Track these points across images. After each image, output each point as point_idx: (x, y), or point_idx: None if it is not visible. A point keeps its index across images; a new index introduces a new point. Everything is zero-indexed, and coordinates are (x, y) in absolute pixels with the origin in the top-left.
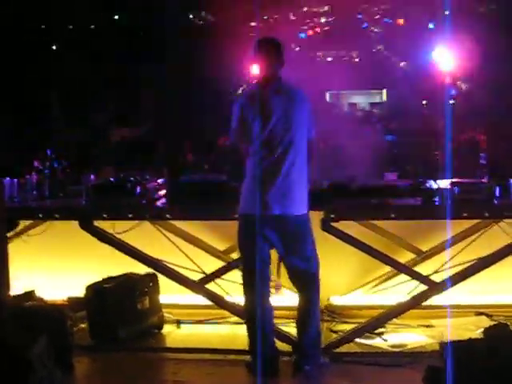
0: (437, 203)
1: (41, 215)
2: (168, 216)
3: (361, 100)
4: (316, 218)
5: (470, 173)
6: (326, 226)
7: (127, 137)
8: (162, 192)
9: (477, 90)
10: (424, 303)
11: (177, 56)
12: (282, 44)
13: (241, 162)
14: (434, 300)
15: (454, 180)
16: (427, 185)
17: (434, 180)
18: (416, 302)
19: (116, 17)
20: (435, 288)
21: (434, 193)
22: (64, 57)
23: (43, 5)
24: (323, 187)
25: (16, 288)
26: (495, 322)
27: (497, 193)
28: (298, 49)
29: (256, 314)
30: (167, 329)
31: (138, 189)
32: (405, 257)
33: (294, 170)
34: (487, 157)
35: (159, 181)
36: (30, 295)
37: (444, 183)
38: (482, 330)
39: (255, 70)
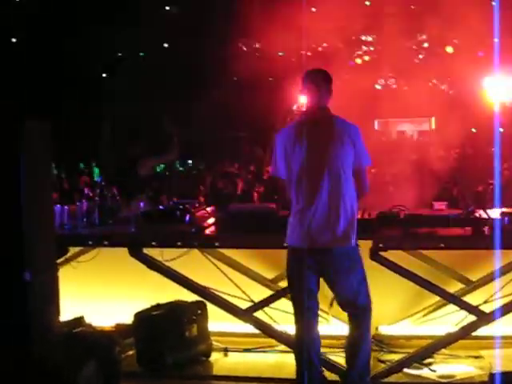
0: (487, 233)
1: (90, 242)
2: (217, 244)
3: (409, 128)
4: (365, 247)
5: None
6: (375, 256)
7: (159, 163)
8: (211, 220)
9: None
10: (473, 333)
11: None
12: (331, 75)
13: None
14: (484, 330)
15: (504, 210)
16: (477, 214)
17: (484, 210)
18: (465, 333)
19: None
20: (484, 318)
21: (483, 223)
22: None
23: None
24: (371, 216)
25: (65, 314)
26: None
27: None
28: (346, 77)
29: (303, 343)
30: (215, 356)
31: (188, 217)
32: (454, 287)
33: (336, 201)
34: None
35: (208, 209)
36: (78, 321)
37: (494, 213)
38: None
39: (303, 100)
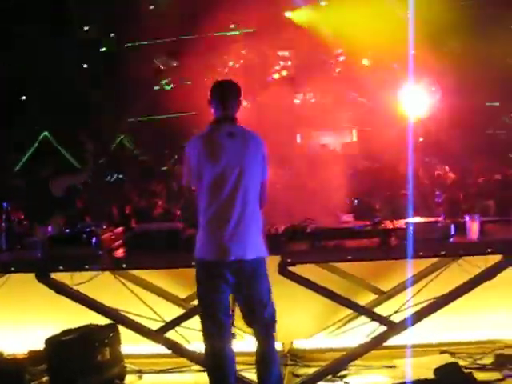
0: (393, 244)
1: None
2: (124, 266)
3: (331, 140)
4: (273, 262)
5: (431, 212)
6: (283, 271)
7: (70, 184)
8: (119, 242)
9: (442, 127)
10: (389, 343)
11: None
12: (240, 87)
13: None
14: (397, 340)
15: (408, 220)
16: (383, 225)
17: (391, 220)
18: (376, 343)
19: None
20: (394, 328)
21: (390, 233)
22: None
23: None
24: (279, 231)
25: None
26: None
27: (452, 231)
28: (265, 92)
29: (217, 360)
30: (129, 379)
31: (94, 239)
32: (367, 297)
33: (247, 213)
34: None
35: (115, 231)
36: None
37: (400, 223)
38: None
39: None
